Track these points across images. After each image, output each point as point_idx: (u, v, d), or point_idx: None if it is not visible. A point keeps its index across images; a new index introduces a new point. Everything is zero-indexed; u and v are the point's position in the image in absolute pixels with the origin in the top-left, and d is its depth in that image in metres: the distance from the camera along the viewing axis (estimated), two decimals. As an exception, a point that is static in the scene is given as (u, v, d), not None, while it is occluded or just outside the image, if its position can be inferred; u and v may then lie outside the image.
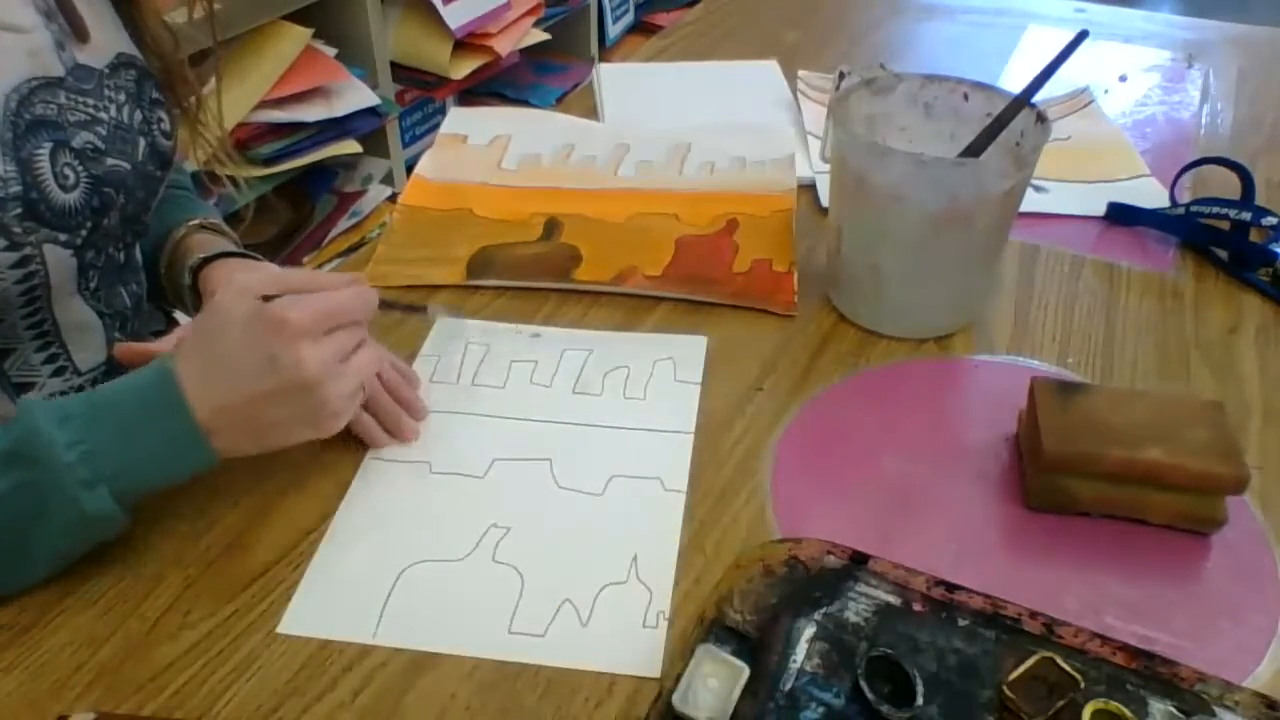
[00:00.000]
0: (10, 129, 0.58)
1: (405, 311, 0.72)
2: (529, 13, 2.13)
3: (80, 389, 0.68)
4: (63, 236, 0.61)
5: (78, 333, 0.67)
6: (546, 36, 2.19)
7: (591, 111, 1.08)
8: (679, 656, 0.49)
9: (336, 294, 0.57)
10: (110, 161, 0.65)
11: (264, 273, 0.67)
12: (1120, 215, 0.89)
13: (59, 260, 0.62)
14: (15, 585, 0.54)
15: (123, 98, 0.67)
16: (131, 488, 0.53)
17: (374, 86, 1.77)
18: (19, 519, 0.51)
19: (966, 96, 0.75)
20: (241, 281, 0.56)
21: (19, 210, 0.58)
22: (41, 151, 0.59)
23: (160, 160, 0.70)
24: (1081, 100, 1.08)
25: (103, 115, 0.64)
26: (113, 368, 0.70)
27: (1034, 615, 0.50)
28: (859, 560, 0.53)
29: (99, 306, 0.68)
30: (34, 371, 0.65)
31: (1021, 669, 0.47)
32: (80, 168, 0.62)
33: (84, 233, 0.63)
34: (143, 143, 0.68)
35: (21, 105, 0.59)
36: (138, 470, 0.53)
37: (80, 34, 0.64)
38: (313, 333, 0.54)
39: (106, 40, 0.67)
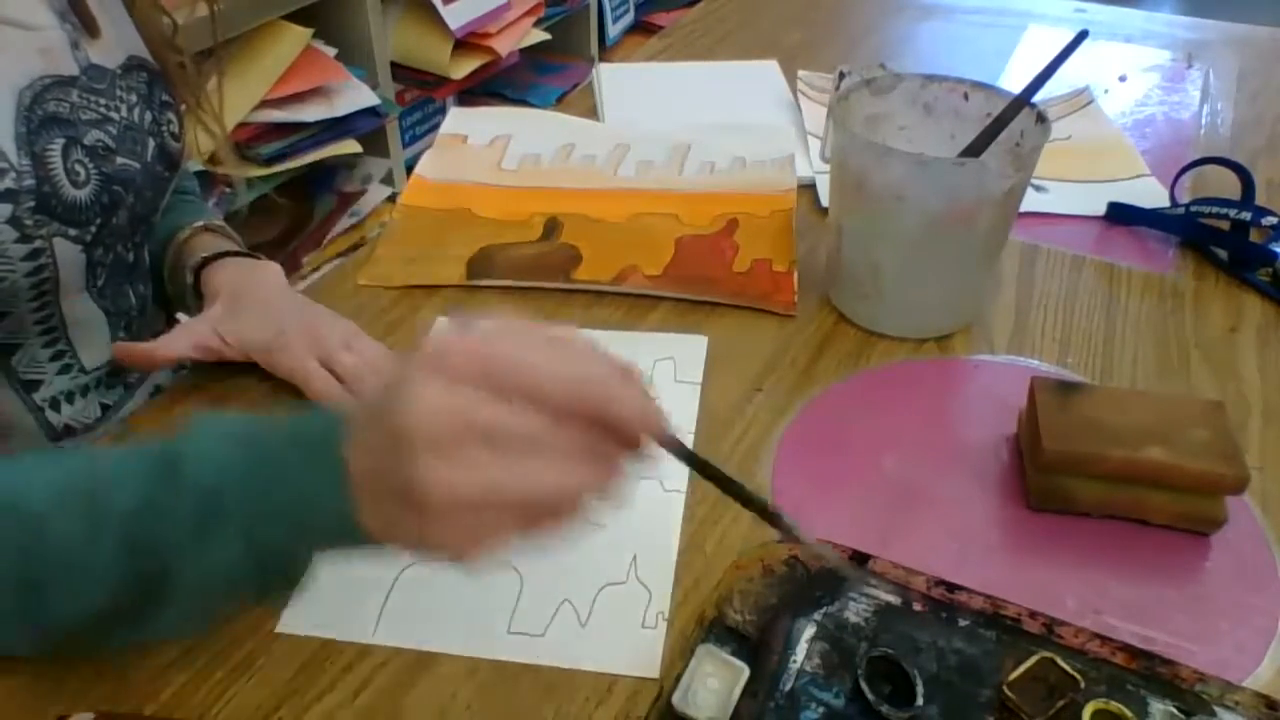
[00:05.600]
0: (24, 124, 0.58)
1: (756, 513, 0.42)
2: (529, 13, 2.13)
3: (86, 387, 0.69)
4: (72, 232, 0.62)
5: (84, 330, 0.67)
6: (546, 36, 2.19)
7: (591, 111, 1.08)
8: (679, 657, 0.49)
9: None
10: (120, 160, 0.65)
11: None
12: (1120, 215, 0.89)
13: (68, 255, 0.62)
14: (158, 628, 0.44)
15: (134, 99, 0.67)
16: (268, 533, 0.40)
17: (374, 86, 1.77)
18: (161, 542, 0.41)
19: (966, 96, 0.75)
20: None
21: (31, 203, 0.58)
22: (54, 147, 0.60)
23: (168, 161, 0.71)
24: (1081, 100, 1.08)
25: (114, 115, 0.65)
26: (117, 367, 0.70)
27: (1034, 615, 0.50)
28: (859, 560, 0.53)
29: (106, 305, 0.68)
30: (40, 368, 0.66)
31: (1021, 669, 0.47)
32: (91, 165, 0.63)
33: (93, 229, 0.64)
34: (152, 143, 0.69)
35: (35, 102, 0.59)
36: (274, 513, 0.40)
37: (91, 30, 0.64)
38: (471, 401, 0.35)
39: (118, 40, 0.67)
